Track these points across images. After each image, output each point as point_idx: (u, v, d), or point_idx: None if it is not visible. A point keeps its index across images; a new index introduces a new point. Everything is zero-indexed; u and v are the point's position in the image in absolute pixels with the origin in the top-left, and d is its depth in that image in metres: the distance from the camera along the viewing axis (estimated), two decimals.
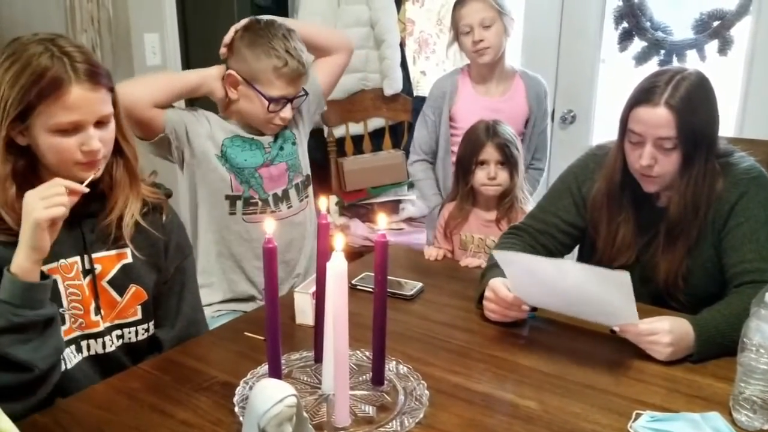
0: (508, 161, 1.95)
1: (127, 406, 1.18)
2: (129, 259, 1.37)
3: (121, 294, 1.36)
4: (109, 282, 1.35)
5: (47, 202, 1.14)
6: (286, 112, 1.85)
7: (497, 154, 1.94)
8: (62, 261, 1.29)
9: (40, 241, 1.14)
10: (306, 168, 2.02)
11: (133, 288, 1.38)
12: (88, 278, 1.32)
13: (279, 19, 1.89)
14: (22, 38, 1.22)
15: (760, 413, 1.11)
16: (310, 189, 2.02)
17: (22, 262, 1.15)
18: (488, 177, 1.94)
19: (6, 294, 1.14)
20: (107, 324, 1.35)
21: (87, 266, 1.32)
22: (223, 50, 1.87)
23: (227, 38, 1.86)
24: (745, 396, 1.12)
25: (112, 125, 1.28)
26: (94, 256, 1.33)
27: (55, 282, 1.26)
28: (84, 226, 1.32)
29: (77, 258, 1.31)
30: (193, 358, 1.35)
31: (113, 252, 1.35)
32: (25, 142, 1.23)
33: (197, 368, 1.31)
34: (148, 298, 1.40)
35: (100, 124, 1.25)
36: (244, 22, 1.87)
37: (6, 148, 1.21)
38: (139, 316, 1.39)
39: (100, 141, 1.24)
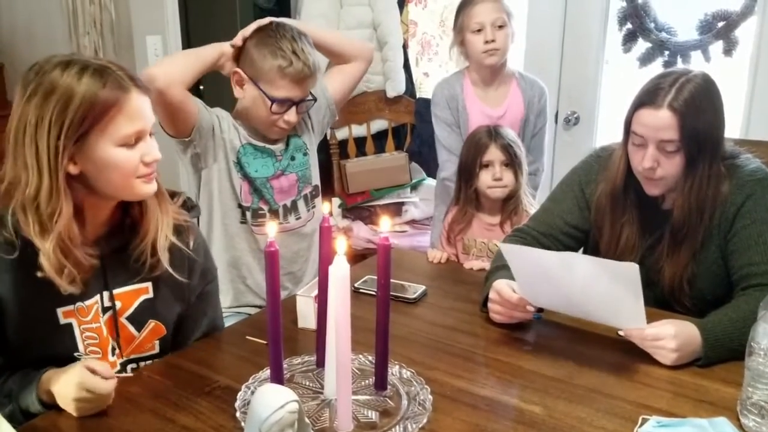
0: (512, 162, 1.95)
1: (128, 410, 1.17)
2: (149, 294, 1.33)
3: (139, 329, 1.33)
4: (128, 318, 1.31)
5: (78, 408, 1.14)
6: (291, 116, 1.81)
7: (501, 155, 1.94)
8: (79, 304, 1.25)
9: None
10: (315, 178, 2.00)
11: (152, 323, 1.34)
12: (107, 315, 1.29)
13: (292, 22, 1.86)
14: (41, 65, 1.16)
15: None
16: (318, 200, 2.00)
17: (47, 389, 1.16)
18: (494, 178, 1.93)
19: (24, 402, 1.18)
20: (123, 359, 1.33)
21: (107, 303, 1.29)
22: (238, 41, 1.83)
23: (237, 40, 1.82)
24: (753, 401, 1.11)
25: None
26: (115, 292, 1.29)
27: (70, 326, 1.25)
28: (107, 263, 1.27)
29: (97, 297, 1.27)
30: (194, 363, 1.34)
31: (134, 287, 1.30)
32: (77, 170, 1.17)
33: (199, 373, 1.30)
34: (166, 334, 1.37)
35: (151, 133, 1.24)
36: (255, 24, 1.84)
37: (65, 183, 1.15)
38: (156, 350, 1.37)
39: None
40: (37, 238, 1.14)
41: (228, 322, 1.72)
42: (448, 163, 2.29)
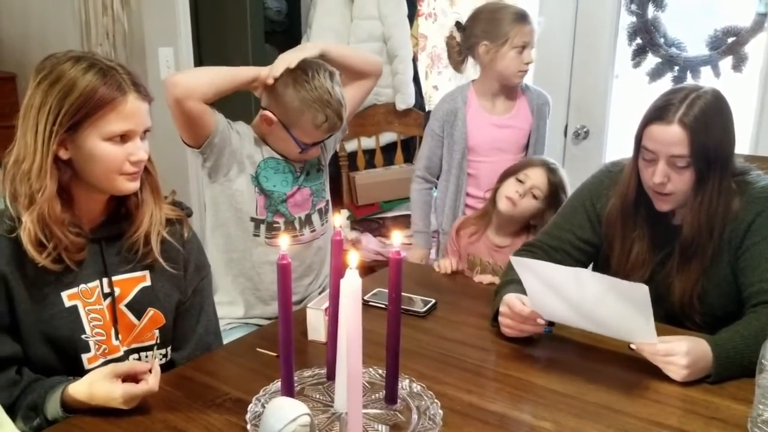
0: (543, 195, 1.89)
1: (139, 421, 1.18)
2: (147, 282, 1.37)
3: (138, 317, 1.36)
4: (128, 305, 1.35)
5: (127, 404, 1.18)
6: (316, 151, 1.89)
7: (542, 179, 1.88)
8: (83, 286, 1.30)
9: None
10: (327, 193, 2.01)
11: (150, 312, 1.37)
12: (107, 301, 1.33)
13: (322, 64, 1.81)
14: (57, 56, 1.25)
15: None
16: (330, 213, 2.01)
17: (75, 401, 1.19)
18: (515, 191, 1.89)
19: (51, 414, 1.19)
20: (125, 348, 1.35)
21: (107, 289, 1.33)
22: (270, 80, 1.78)
23: (276, 72, 1.76)
24: (763, 418, 1.11)
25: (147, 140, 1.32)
26: (114, 279, 1.33)
27: (76, 308, 1.29)
28: (106, 249, 1.33)
29: (97, 282, 1.32)
30: (205, 374, 1.35)
31: (132, 275, 1.35)
32: (67, 155, 1.24)
33: (209, 384, 1.31)
34: (166, 323, 1.40)
35: (143, 136, 1.29)
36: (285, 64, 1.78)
37: (53, 164, 1.23)
38: (156, 340, 1.39)
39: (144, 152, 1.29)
40: (24, 210, 1.21)
41: (237, 334, 1.73)
42: (417, 169, 2.39)
